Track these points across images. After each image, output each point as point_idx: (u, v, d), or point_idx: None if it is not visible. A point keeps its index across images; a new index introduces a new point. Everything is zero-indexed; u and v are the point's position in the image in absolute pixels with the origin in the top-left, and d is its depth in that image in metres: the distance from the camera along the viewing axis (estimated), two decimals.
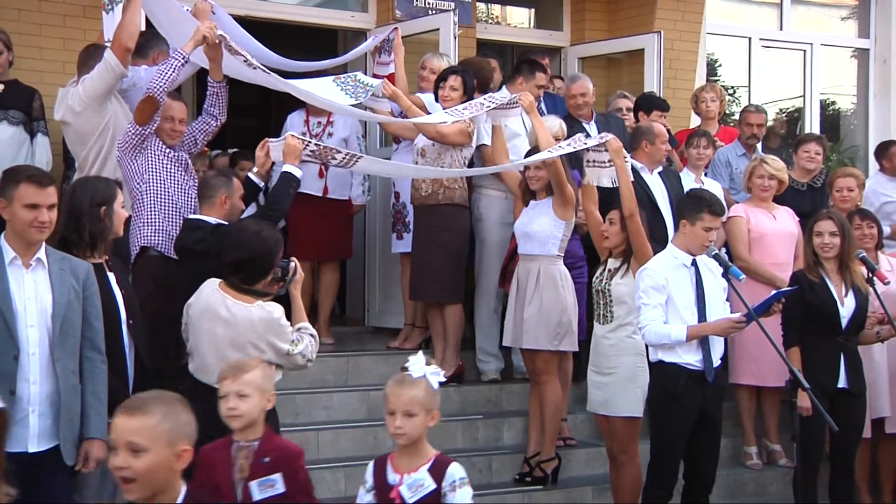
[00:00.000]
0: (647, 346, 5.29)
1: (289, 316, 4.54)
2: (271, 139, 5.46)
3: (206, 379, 4.33)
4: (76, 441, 4.02)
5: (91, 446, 4.05)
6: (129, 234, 5.25)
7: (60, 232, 4.43)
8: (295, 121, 7.14)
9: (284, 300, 4.69)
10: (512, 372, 6.95)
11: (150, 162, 5.29)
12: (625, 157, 5.70)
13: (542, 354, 5.98)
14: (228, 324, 4.31)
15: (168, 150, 5.40)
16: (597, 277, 5.58)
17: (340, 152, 5.71)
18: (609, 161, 5.71)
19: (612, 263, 5.52)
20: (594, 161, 5.80)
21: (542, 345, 5.94)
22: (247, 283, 4.39)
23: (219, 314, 4.33)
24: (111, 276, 4.48)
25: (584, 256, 6.40)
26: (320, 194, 7.05)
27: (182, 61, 5.31)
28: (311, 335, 4.52)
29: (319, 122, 7.09)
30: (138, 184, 5.27)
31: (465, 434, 6.43)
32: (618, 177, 5.59)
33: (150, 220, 5.25)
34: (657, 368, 5.18)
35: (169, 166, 5.35)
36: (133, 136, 5.25)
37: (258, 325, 4.31)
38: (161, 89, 5.20)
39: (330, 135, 6.99)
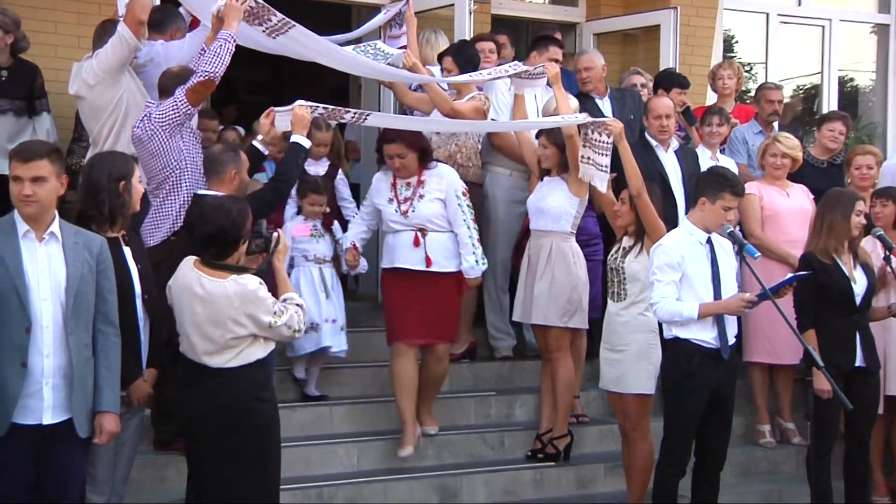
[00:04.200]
0: (660, 324, 5.28)
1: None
2: (277, 108, 5.44)
3: (192, 357, 4.34)
4: (89, 414, 4.04)
5: (104, 419, 4.06)
6: (160, 211, 5.21)
7: (78, 206, 4.45)
8: (381, 181, 6.00)
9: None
10: (525, 349, 6.94)
11: (188, 143, 5.23)
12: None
13: (553, 331, 5.98)
14: (205, 301, 4.26)
15: (198, 132, 5.40)
16: (611, 255, 5.56)
17: (349, 111, 5.70)
18: (606, 166, 5.67)
19: (627, 241, 5.51)
20: (591, 160, 5.72)
21: (552, 321, 5.94)
22: (219, 258, 4.33)
23: (195, 293, 4.28)
24: (127, 251, 4.49)
25: (599, 234, 6.38)
26: (423, 267, 5.79)
27: (233, 42, 5.22)
28: (298, 304, 4.44)
29: (409, 184, 5.84)
30: (174, 162, 5.16)
31: (478, 410, 6.44)
32: (622, 157, 5.55)
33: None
34: (672, 345, 5.17)
35: (199, 148, 5.34)
36: (181, 115, 5.15)
37: (234, 299, 4.25)
38: (219, 72, 5.15)
39: (421, 196, 5.82)
